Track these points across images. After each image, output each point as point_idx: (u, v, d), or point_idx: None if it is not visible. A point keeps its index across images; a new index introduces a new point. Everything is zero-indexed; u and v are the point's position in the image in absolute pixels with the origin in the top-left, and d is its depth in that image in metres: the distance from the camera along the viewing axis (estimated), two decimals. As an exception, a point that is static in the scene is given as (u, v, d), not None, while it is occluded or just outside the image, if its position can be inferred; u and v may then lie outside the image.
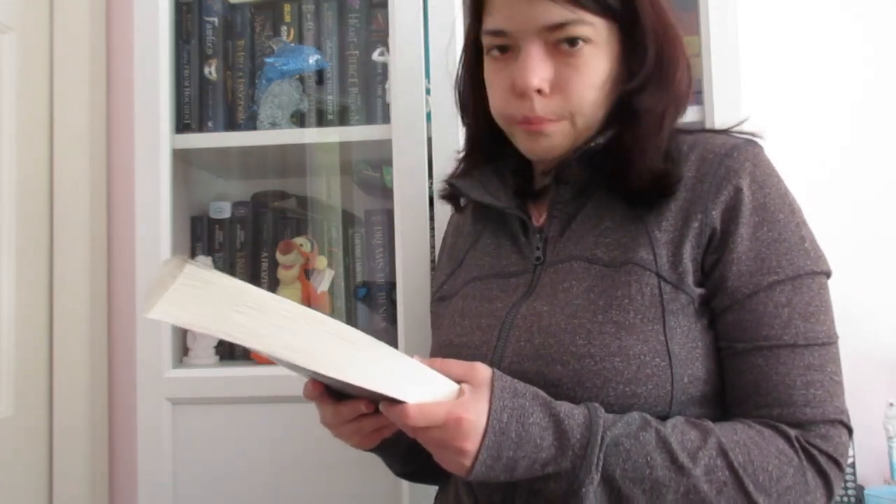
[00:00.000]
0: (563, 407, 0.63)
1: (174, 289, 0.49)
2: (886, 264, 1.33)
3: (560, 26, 0.70)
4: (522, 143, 0.77)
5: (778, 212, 0.70)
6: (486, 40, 0.76)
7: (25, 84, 1.30)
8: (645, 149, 0.72)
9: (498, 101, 0.77)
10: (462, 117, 0.89)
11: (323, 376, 0.55)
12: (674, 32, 0.74)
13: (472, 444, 0.59)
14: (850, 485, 1.20)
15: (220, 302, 0.50)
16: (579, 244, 0.75)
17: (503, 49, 0.74)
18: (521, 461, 0.61)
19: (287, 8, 1.29)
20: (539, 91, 0.71)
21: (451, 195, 0.90)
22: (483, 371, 0.63)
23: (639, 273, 0.69)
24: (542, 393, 0.64)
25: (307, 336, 0.53)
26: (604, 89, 0.73)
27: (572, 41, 0.70)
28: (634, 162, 0.72)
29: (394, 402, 0.58)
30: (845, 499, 1.20)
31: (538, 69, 0.71)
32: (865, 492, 1.19)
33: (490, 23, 0.74)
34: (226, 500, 1.17)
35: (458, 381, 0.62)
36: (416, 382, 0.59)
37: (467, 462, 0.60)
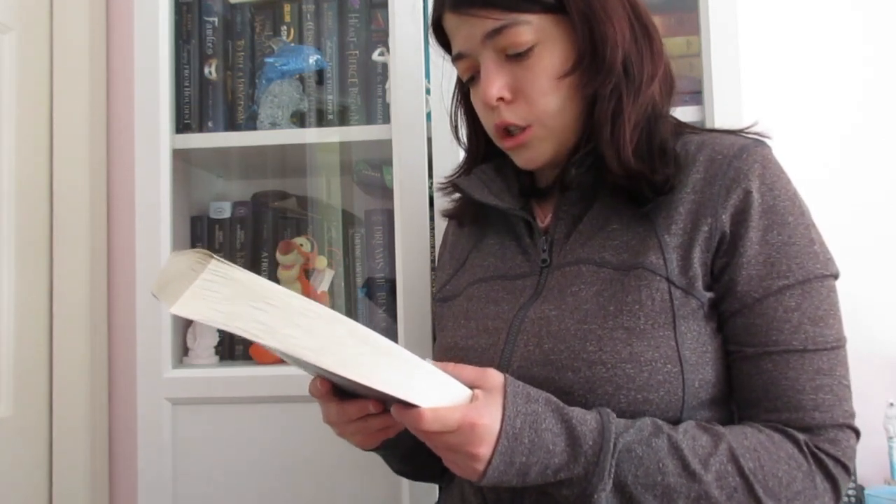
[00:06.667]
0: (576, 413, 0.62)
1: (198, 284, 0.47)
2: (887, 264, 1.33)
3: (499, 31, 0.72)
4: (513, 159, 0.80)
5: (787, 214, 0.69)
6: (458, 70, 0.80)
7: (25, 84, 1.30)
8: (607, 138, 0.71)
9: (482, 121, 0.80)
10: (458, 141, 0.91)
11: (336, 375, 0.55)
12: (605, 12, 0.72)
13: (485, 450, 0.59)
14: (850, 485, 1.20)
15: (241, 298, 0.49)
16: (586, 246, 0.74)
17: (473, 79, 0.78)
18: (534, 467, 0.60)
19: (287, 8, 1.29)
20: (502, 99, 0.74)
21: (455, 213, 0.91)
22: (495, 376, 0.62)
23: (649, 278, 0.69)
24: (553, 398, 0.64)
25: (326, 336, 0.52)
26: (565, 84, 0.73)
27: (520, 51, 0.72)
28: (605, 156, 0.72)
29: (407, 405, 0.58)
30: (845, 499, 1.20)
31: (495, 80, 0.74)
32: (865, 492, 1.19)
33: (453, 52, 0.79)
34: (226, 500, 1.17)
35: (470, 386, 0.62)
36: (430, 386, 0.58)
37: (480, 467, 0.60)
